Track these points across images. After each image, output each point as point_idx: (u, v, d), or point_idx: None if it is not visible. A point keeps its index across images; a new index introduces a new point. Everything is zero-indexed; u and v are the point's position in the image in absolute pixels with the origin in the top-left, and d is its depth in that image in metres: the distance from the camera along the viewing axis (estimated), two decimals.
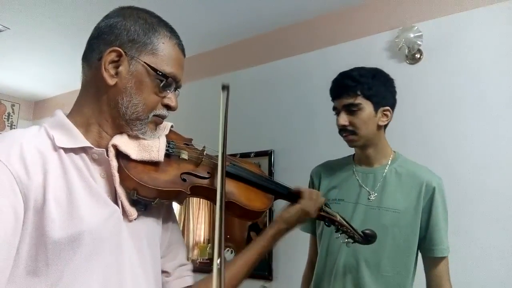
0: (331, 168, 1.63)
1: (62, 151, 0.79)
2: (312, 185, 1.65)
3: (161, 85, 0.86)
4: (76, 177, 0.78)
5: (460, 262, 2.05)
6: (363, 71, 1.47)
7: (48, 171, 0.75)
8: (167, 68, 0.86)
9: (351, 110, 1.43)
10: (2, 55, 3.65)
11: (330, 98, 1.54)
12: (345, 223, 1.28)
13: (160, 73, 0.85)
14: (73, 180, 0.78)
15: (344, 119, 1.44)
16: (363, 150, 1.51)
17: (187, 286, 0.99)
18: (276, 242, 1.12)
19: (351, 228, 1.28)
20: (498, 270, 1.98)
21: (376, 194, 1.47)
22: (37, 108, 4.93)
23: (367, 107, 1.44)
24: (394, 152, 1.56)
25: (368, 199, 1.47)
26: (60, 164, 0.78)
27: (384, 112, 1.48)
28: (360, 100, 1.43)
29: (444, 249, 1.43)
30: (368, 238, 1.29)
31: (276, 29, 3.07)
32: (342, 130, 1.46)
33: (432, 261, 1.45)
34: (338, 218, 1.27)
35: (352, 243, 1.29)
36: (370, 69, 1.49)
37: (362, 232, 1.29)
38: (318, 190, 1.60)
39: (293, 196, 1.17)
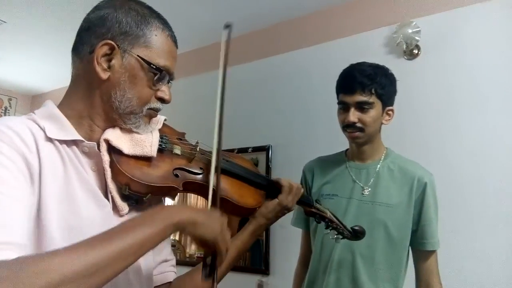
0: (323, 163, 1.64)
1: (56, 142, 0.78)
2: (304, 180, 1.67)
3: (155, 78, 0.85)
4: (71, 169, 0.78)
5: (458, 260, 2.06)
6: (377, 69, 1.46)
7: (43, 158, 0.74)
8: (160, 61, 0.85)
9: (363, 107, 1.43)
10: None
11: (336, 91, 1.52)
12: (335, 219, 1.29)
13: (154, 67, 0.84)
14: (69, 171, 0.77)
15: (355, 116, 1.43)
16: (360, 146, 1.52)
17: (168, 282, 0.99)
18: (256, 237, 1.10)
19: (340, 225, 1.29)
20: (496, 267, 1.99)
21: (369, 189, 1.48)
22: (34, 103, 4.92)
23: (378, 106, 1.45)
24: (386, 148, 1.57)
25: (362, 194, 1.49)
26: (57, 153, 0.77)
27: (388, 112, 1.51)
28: (373, 99, 1.43)
29: (434, 242, 1.46)
30: (357, 234, 1.31)
31: (273, 24, 3.06)
32: (349, 126, 1.45)
33: (423, 255, 1.48)
34: (329, 214, 1.28)
35: (341, 239, 1.31)
36: (381, 67, 1.49)
37: (351, 228, 1.31)
38: (311, 185, 1.62)
39: (273, 188, 1.13)
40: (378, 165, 1.51)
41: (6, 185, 0.65)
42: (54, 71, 4.10)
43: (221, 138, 0.94)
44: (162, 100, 0.89)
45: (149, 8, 0.88)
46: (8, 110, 4.73)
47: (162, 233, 0.69)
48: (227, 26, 0.91)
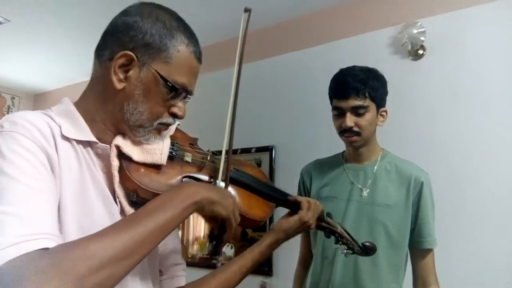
0: (321, 166, 1.66)
1: (73, 141, 0.78)
2: (303, 183, 1.68)
3: (170, 95, 0.84)
4: (86, 169, 0.78)
5: (459, 261, 2.05)
6: (368, 72, 1.48)
7: (60, 154, 0.74)
8: (179, 78, 0.83)
9: (358, 112, 1.44)
10: (3, 48, 3.63)
11: (329, 97, 1.55)
12: (346, 234, 1.27)
13: (170, 84, 0.82)
14: (84, 171, 0.78)
15: (351, 120, 1.45)
16: (357, 149, 1.54)
17: (179, 287, 0.98)
18: (272, 250, 1.12)
19: (351, 240, 1.28)
20: (496, 268, 1.97)
21: (368, 190, 1.50)
22: (37, 101, 4.92)
23: (372, 109, 1.47)
24: (382, 149, 1.60)
25: (361, 195, 1.51)
26: (73, 152, 0.77)
27: (382, 113, 1.53)
28: (368, 102, 1.45)
29: (432, 241, 1.48)
30: (367, 250, 1.30)
31: (277, 23, 3.05)
32: (346, 131, 1.47)
33: (420, 253, 1.50)
34: (339, 229, 1.26)
35: (351, 254, 1.29)
36: (372, 70, 1.51)
37: (362, 244, 1.29)
38: (310, 188, 1.64)
39: (291, 205, 1.15)
40: (375, 166, 1.54)
41: (33, 179, 0.66)
42: (57, 70, 4.10)
43: (231, 140, 0.94)
44: (175, 116, 0.88)
45: (178, 20, 0.86)
46: (11, 108, 4.73)
47: (183, 213, 0.72)
48: (247, 10, 0.89)
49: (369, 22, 2.61)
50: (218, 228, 0.86)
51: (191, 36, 0.86)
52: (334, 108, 1.52)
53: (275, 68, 3.03)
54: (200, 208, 0.77)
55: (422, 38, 2.33)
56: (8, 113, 4.68)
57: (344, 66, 1.56)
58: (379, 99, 1.48)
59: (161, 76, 0.81)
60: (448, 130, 2.23)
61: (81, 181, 0.76)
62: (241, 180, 1.03)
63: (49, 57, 3.79)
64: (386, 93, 1.53)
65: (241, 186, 1.03)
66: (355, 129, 1.45)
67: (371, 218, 1.46)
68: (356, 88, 1.43)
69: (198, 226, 3.28)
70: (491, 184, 2.06)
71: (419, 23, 2.35)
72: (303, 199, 1.16)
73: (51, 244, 0.59)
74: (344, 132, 1.48)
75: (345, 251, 1.29)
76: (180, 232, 3.29)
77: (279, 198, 1.13)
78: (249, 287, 2.75)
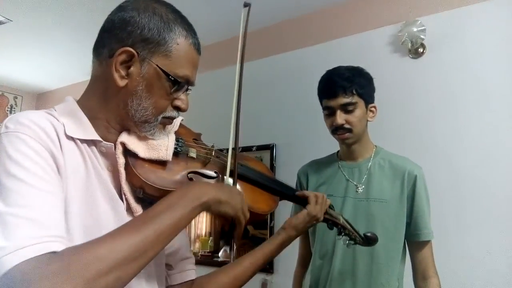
0: (317, 166, 1.70)
1: (77, 140, 0.78)
2: (299, 184, 1.71)
3: (172, 89, 0.84)
4: (91, 168, 0.78)
5: (460, 259, 2.06)
6: (354, 71, 1.53)
7: (65, 154, 0.74)
8: (180, 71, 0.83)
9: (348, 109, 1.49)
10: (5, 47, 3.65)
11: (319, 98, 1.59)
12: (348, 226, 1.30)
13: (172, 78, 0.82)
14: (90, 170, 0.78)
15: (342, 118, 1.49)
16: (349, 146, 1.57)
17: (190, 280, 0.99)
18: (284, 248, 1.15)
19: (353, 231, 1.31)
20: (498, 267, 1.98)
21: (363, 186, 1.53)
22: (39, 101, 4.94)
23: (361, 105, 1.51)
24: (376, 146, 1.63)
25: (356, 191, 1.54)
26: (78, 151, 0.78)
27: (371, 109, 1.57)
28: (356, 99, 1.49)
29: (428, 233, 1.51)
30: (369, 240, 1.33)
31: (278, 22, 3.06)
32: (338, 128, 1.51)
33: (418, 245, 1.53)
34: (341, 221, 1.29)
35: (353, 244, 1.33)
36: (357, 69, 1.55)
37: (364, 234, 1.32)
38: (307, 188, 1.66)
39: (299, 200, 1.19)
40: (369, 163, 1.57)
41: (41, 180, 0.66)
42: (59, 69, 4.12)
43: (237, 135, 0.96)
44: (178, 109, 0.88)
45: (175, 12, 0.86)
46: (14, 108, 4.75)
47: (192, 213, 0.74)
48: (246, 5, 0.90)
49: (369, 21, 2.62)
50: (229, 225, 0.89)
51: (188, 28, 0.86)
52: (325, 108, 1.57)
53: (276, 66, 3.04)
54: (207, 208, 0.78)
55: (422, 36, 2.34)
56: (11, 112, 4.70)
57: (344, 65, 1.57)
58: (367, 96, 1.53)
59: (163, 70, 0.81)
60: (447, 127, 2.24)
61: (87, 180, 0.77)
62: (246, 175, 1.04)
63: (51, 56, 3.81)
64: (373, 89, 1.58)
65: (246, 181, 1.04)
66: (346, 126, 1.49)
67: (367, 214, 1.49)
68: (343, 86, 1.48)
69: (200, 224, 3.29)
70: (491, 182, 2.06)
71: (419, 21, 2.35)
72: (310, 194, 1.20)
73: (59, 247, 0.59)
74: (336, 130, 1.52)
75: (347, 242, 1.32)
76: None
77: (286, 193, 1.17)
78: (251, 285, 2.76)
